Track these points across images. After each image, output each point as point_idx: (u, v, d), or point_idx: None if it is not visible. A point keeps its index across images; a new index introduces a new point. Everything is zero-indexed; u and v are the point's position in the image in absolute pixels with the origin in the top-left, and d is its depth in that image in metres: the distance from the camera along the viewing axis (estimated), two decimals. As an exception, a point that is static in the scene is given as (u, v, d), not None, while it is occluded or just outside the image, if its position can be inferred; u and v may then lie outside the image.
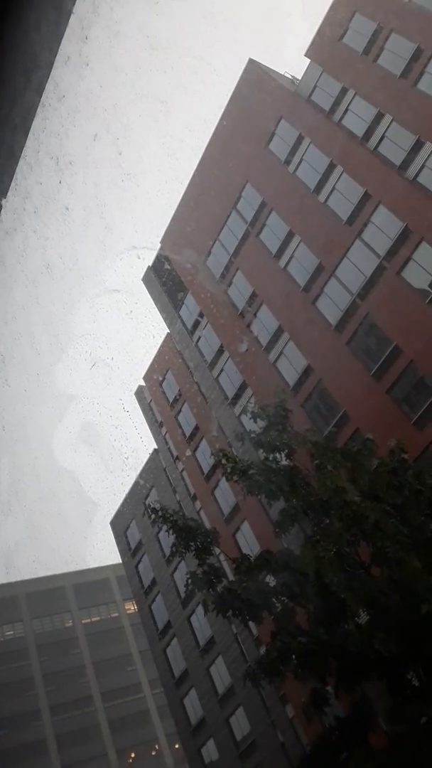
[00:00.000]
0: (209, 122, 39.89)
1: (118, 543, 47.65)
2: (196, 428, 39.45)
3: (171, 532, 17.44)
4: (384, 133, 30.20)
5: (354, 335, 29.41)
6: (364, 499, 15.89)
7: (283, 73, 37.61)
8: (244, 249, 36.59)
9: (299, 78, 35.85)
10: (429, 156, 27.85)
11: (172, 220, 41.57)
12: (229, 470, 17.56)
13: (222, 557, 18.70)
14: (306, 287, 31.99)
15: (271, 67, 38.01)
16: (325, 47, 34.07)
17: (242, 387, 35.40)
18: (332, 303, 30.72)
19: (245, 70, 37.07)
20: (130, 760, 68.05)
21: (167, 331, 43.15)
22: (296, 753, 27.19)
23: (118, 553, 47.98)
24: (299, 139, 33.92)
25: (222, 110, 38.22)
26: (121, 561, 48.42)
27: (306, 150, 33.45)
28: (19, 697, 67.63)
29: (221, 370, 37.33)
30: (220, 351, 37.55)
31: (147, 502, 21.01)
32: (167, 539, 28.83)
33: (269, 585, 17.67)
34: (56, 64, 3.77)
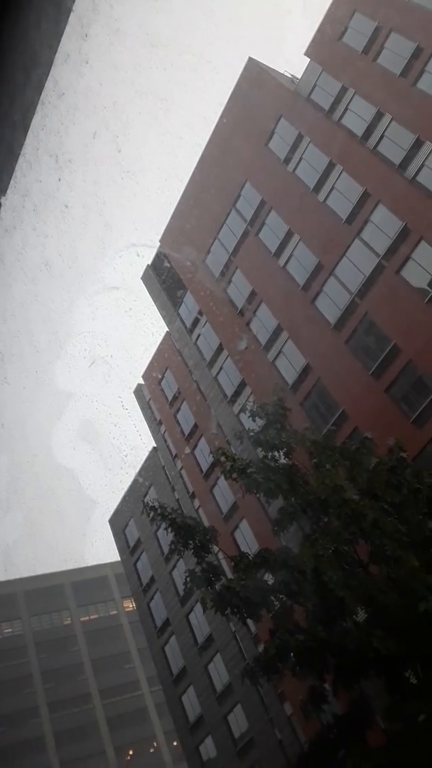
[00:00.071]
0: (209, 120, 39.93)
1: (117, 541, 47.69)
2: (195, 426, 39.49)
3: (169, 530, 17.44)
4: (383, 133, 30.21)
5: (353, 334, 29.45)
6: (363, 497, 15.91)
7: (282, 71, 37.63)
8: (243, 247, 36.61)
9: (299, 77, 35.85)
10: (428, 155, 27.88)
11: (172, 218, 41.57)
12: (228, 468, 17.58)
13: (220, 555, 18.73)
14: (305, 286, 32.02)
15: (272, 65, 38.05)
16: (324, 46, 34.08)
17: (241, 385, 35.44)
18: (331, 302, 30.75)
19: (245, 69, 37.06)
20: (128, 757, 68.16)
21: (166, 329, 43.18)
22: (294, 750, 27.27)
23: (117, 551, 48.03)
24: (299, 138, 33.93)
25: (222, 108, 38.24)
26: (119, 559, 48.48)
27: (305, 149, 33.46)
28: (18, 694, 67.74)
29: (220, 369, 37.37)
30: (219, 349, 37.58)
31: (146, 500, 21.06)
32: (166, 537, 28.91)
33: (267, 583, 17.71)
34: (56, 62, 3.75)
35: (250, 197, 36.56)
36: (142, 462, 45.61)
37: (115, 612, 78.03)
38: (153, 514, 17.58)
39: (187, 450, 39.84)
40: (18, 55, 3.56)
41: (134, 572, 45.08)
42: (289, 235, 33.73)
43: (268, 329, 33.98)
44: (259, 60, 37.34)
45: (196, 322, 40.03)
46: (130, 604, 66.94)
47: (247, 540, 32.48)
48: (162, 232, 42.39)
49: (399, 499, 16.53)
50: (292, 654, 15.61)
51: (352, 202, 30.38)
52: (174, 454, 41.90)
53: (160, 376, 43.99)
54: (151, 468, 44.36)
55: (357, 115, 31.83)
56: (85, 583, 78.76)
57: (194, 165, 39.74)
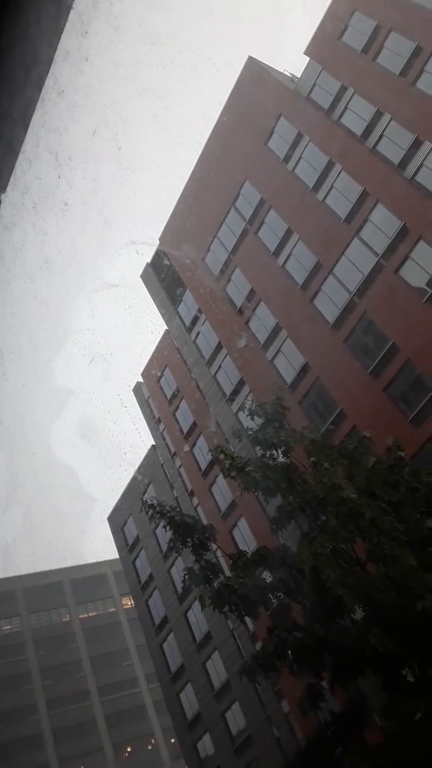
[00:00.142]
0: (209, 118, 39.98)
1: (116, 538, 47.76)
2: (194, 425, 39.54)
3: (168, 528, 17.48)
4: (383, 132, 30.23)
5: (352, 333, 29.50)
6: (361, 496, 15.95)
7: (282, 70, 37.63)
8: (242, 246, 36.63)
9: (298, 76, 35.86)
10: (428, 155, 27.90)
11: (172, 216, 41.59)
12: (226, 467, 17.62)
13: (219, 553, 18.78)
14: (304, 285, 32.06)
15: (272, 63, 38.14)
16: (324, 45, 34.08)
17: (240, 384, 35.49)
18: (330, 301, 30.79)
19: (245, 68, 37.07)
20: (126, 755, 68.30)
21: (166, 327, 43.22)
22: (291, 748, 27.35)
23: (116, 549, 48.11)
24: (298, 137, 33.94)
25: (222, 106, 38.26)
26: (118, 556, 48.56)
27: (305, 148, 33.48)
28: (16, 691, 67.83)
29: (219, 367, 37.41)
30: (218, 348, 37.62)
31: (144, 498, 21.10)
32: (164, 535, 28.96)
33: (265, 581, 17.77)
34: (56, 59, 3.75)
35: (249, 196, 36.59)
36: (141, 460, 45.68)
37: (113, 609, 78.11)
38: (152, 512, 17.62)
39: (186, 448, 39.90)
40: (18, 52, 3.56)
41: (133, 570, 45.16)
42: (288, 234, 33.77)
43: (267, 328, 34.03)
44: (259, 58, 37.36)
45: (195, 320, 40.08)
46: (128, 602, 67.07)
47: (246, 538, 32.53)
48: (162, 230, 42.43)
49: (397, 497, 16.58)
50: (289, 652, 15.67)
51: (351, 202, 30.41)
52: (173, 452, 41.95)
53: (159, 374, 44.03)
54: (150, 466, 44.41)
55: (356, 115, 31.84)
56: (83, 581, 78.83)
57: (194, 163, 39.77)
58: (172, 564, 39.79)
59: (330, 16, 33.82)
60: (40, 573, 77.91)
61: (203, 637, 36.74)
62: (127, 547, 45.99)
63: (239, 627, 32.28)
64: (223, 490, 35.49)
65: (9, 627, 73.45)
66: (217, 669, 35.40)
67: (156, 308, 43.60)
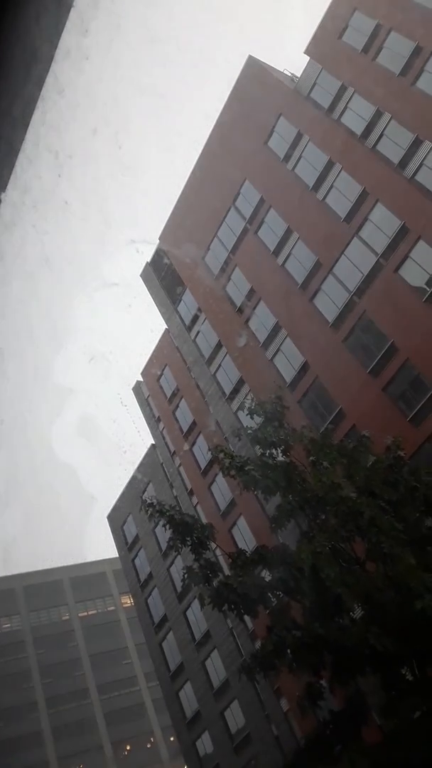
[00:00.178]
0: (209, 116, 40.00)
1: (115, 537, 47.80)
2: (194, 423, 39.56)
3: (168, 526, 17.49)
4: (383, 131, 30.24)
5: (351, 332, 29.53)
6: (360, 495, 15.96)
7: (282, 70, 37.64)
8: (242, 245, 36.67)
9: (298, 75, 35.86)
10: (427, 154, 27.92)
11: (172, 215, 41.61)
12: (226, 465, 17.63)
13: (218, 552, 18.80)
14: (304, 284, 32.09)
15: (272, 63, 38.11)
16: (324, 44, 34.09)
17: (240, 383, 35.53)
18: (330, 300, 30.83)
19: (245, 67, 37.09)
20: (126, 753, 68.38)
21: (165, 326, 43.24)
22: (290, 746, 27.38)
23: (115, 548, 48.15)
24: (298, 136, 33.97)
25: (222, 104, 38.30)
26: (117, 555, 48.59)
27: (305, 147, 33.50)
28: (16, 689, 67.90)
29: (219, 366, 37.44)
30: (218, 347, 37.66)
31: (144, 497, 21.12)
32: (164, 534, 28.98)
33: (265, 580, 17.79)
34: (56, 58, 3.77)
35: (249, 195, 36.61)
36: (140, 458, 45.71)
37: (113, 608, 78.17)
38: (151, 510, 17.62)
39: (186, 447, 39.93)
40: (18, 50, 3.58)
41: (132, 568, 45.20)
42: (288, 234, 33.79)
43: (266, 327, 34.06)
44: (260, 57, 37.36)
45: (195, 319, 40.11)
46: (128, 600, 67.06)
47: (245, 537, 32.56)
48: (162, 228, 42.45)
49: (396, 497, 16.60)
50: (288, 650, 15.68)
51: (351, 201, 30.44)
52: (172, 451, 41.98)
53: (159, 373, 44.05)
54: (149, 465, 44.45)
55: (356, 114, 31.85)
56: (83, 579, 78.89)
57: (194, 162, 39.79)
58: (172, 563, 39.84)
59: (330, 15, 33.83)
60: (40, 571, 77.99)
61: (202, 635, 36.80)
62: (127, 545, 46.04)
63: (238, 626, 32.33)
64: (222, 489, 35.52)
65: (9, 625, 73.51)
66: (216, 667, 35.45)
67: (156, 307, 43.64)
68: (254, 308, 35.20)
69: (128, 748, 68.77)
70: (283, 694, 29.37)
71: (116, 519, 47.77)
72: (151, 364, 45.06)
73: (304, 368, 31.34)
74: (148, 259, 44.18)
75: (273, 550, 17.95)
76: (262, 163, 35.89)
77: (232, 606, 16.36)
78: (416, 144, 28.49)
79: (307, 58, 34.83)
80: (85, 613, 76.68)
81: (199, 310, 39.71)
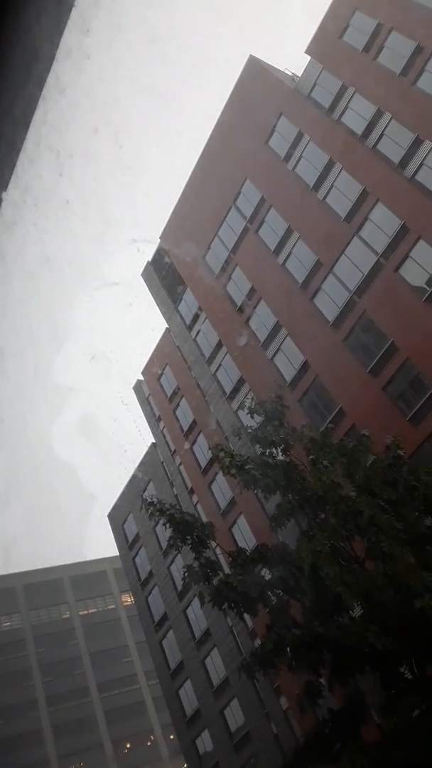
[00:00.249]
0: (210, 116, 40.01)
1: (116, 536, 47.85)
2: (194, 422, 39.61)
3: (168, 525, 17.50)
4: (383, 131, 30.27)
5: (351, 332, 29.57)
6: (360, 494, 15.97)
7: (283, 69, 37.66)
8: (243, 245, 36.70)
9: (299, 75, 35.88)
10: (428, 154, 27.95)
11: (172, 214, 41.64)
12: (226, 464, 17.64)
13: (218, 551, 18.83)
14: (304, 283, 32.12)
15: (273, 62, 38.08)
16: (325, 44, 34.11)
17: (240, 382, 35.57)
18: (330, 299, 30.87)
19: (245, 66, 37.11)
20: (126, 751, 68.49)
21: (166, 325, 43.28)
22: (290, 744, 27.44)
23: (116, 546, 48.20)
24: (299, 136, 33.99)
25: (223, 104, 38.32)
26: (118, 554, 48.64)
27: (305, 147, 33.53)
28: (16, 687, 68.01)
29: (219, 365, 37.48)
30: (219, 346, 37.69)
31: (144, 496, 21.14)
32: (164, 532, 29.01)
33: (264, 578, 17.82)
34: (57, 57, 3.78)
35: (250, 194, 36.64)
36: (141, 457, 45.76)
37: (113, 606, 78.26)
38: (151, 509, 17.63)
39: (186, 446, 39.97)
40: (19, 50, 3.60)
41: (133, 567, 45.26)
42: (288, 233, 33.82)
43: (267, 326, 34.10)
44: (260, 57, 37.38)
45: (195, 318, 40.15)
46: (128, 599, 67.19)
47: (245, 535, 32.62)
48: (162, 228, 42.48)
49: (395, 496, 16.62)
50: (288, 649, 15.71)
51: (351, 201, 30.47)
52: (173, 450, 42.03)
53: (159, 372, 44.09)
54: (150, 463, 44.50)
55: (357, 114, 31.87)
56: (83, 578, 78.98)
57: (195, 161, 39.81)
58: (172, 561, 39.89)
59: (331, 15, 33.85)
60: (41, 570, 78.08)
61: (202, 634, 36.86)
62: (127, 544, 46.09)
63: (238, 624, 32.39)
64: (222, 488, 35.57)
65: (9, 624, 73.63)
66: (216, 666, 35.52)
67: (156, 306, 43.67)
68: (255, 307, 35.24)
69: (128, 746, 68.88)
70: (282, 693, 29.42)
71: (117, 517, 47.82)
72: (151, 363, 45.10)
73: (305, 367, 31.38)
74: (149, 258, 44.21)
75: (273, 548, 17.98)
76: (263, 162, 35.91)
77: (232, 604, 16.39)
78: (417, 144, 28.52)
79: (308, 57, 34.86)
80: (86, 612, 76.78)
81: (200, 309, 39.74)
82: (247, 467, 17.44)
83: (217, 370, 37.60)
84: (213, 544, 17.88)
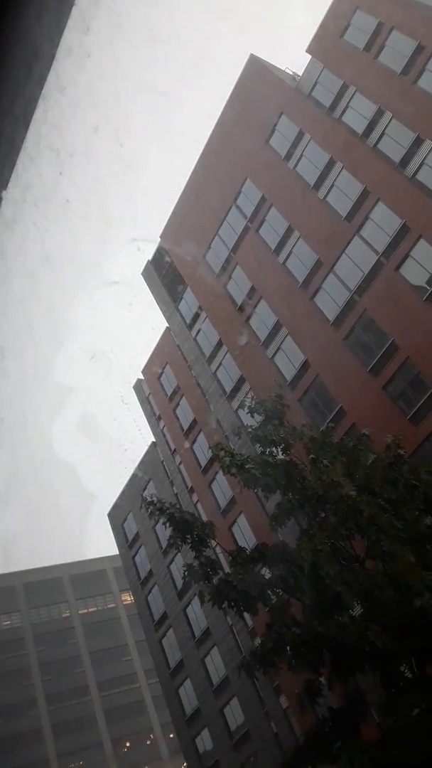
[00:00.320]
0: (210, 115, 40.00)
1: (116, 535, 47.87)
2: (194, 422, 39.62)
3: (168, 524, 17.51)
4: (384, 130, 30.27)
5: (351, 331, 29.58)
6: (360, 493, 15.98)
7: (284, 68, 37.65)
8: (243, 244, 36.69)
9: (300, 74, 35.87)
10: (428, 153, 27.94)
11: (173, 213, 41.62)
12: (226, 464, 17.64)
13: (218, 549, 18.84)
14: (305, 283, 32.12)
15: (274, 61, 38.13)
16: (326, 43, 34.10)
17: (240, 381, 35.57)
18: (330, 299, 30.87)
19: (246, 66, 37.09)
20: (126, 749, 68.52)
21: (166, 324, 43.28)
22: (289, 743, 27.48)
23: (116, 545, 48.22)
24: (300, 135, 33.99)
25: (223, 103, 38.30)
26: (118, 552, 48.67)
27: (306, 146, 33.53)
28: (16, 686, 68.03)
29: (219, 364, 37.48)
30: (219, 345, 37.69)
31: (144, 495, 21.14)
32: (164, 531, 29.03)
33: (264, 577, 17.82)
34: (58, 56, 3.77)
35: (250, 193, 36.63)
36: (141, 456, 45.76)
37: (113, 605, 78.27)
38: (151, 508, 17.63)
39: (186, 445, 39.98)
40: (20, 49, 3.58)
41: (132, 566, 45.27)
42: (289, 232, 33.82)
43: (267, 325, 34.10)
44: (261, 56, 37.39)
45: (196, 317, 40.14)
46: (128, 598, 67.21)
47: (245, 534, 32.64)
48: (163, 227, 42.46)
49: (395, 495, 16.62)
50: (288, 648, 15.71)
51: (352, 200, 30.47)
52: (173, 449, 42.04)
53: (159, 371, 44.09)
54: (150, 462, 44.51)
55: (358, 113, 31.86)
56: (83, 577, 78.98)
57: (195, 160, 39.80)
58: (172, 560, 39.91)
59: (332, 14, 33.84)
60: (40, 569, 78.08)
61: (202, 633, 36.88)
62: (127, 543, 46.11)
63: (238, 623, 32.41)
64: (222, 487, 35.58)
65: (9, 622, 73.64)
66: (216, 665, 35.54)
67: (157, 305, 43.66)
68: (255, 307, 35.23)
69: (128, 744, 68.91)
70: (282, 692, 29.44)
71: (117, 516, 47.84)
72: (151, 362, 45.11)
73: (305, 367, 31.38)
74: (149, 257, 44.20)
75: (273, 547, 17.99)
76: (264, 161, 35.90)
77: (232, 603, 16.39)
78: (417, 143, 28.52)
79: (309, 56, 34.86)
80: (85, 611, 76.78)
81: (200, 308, 39.74)
82: (247, 466, 17.45)
83: (217, 369, 37.61)
84: (213, 543, 17.89)
